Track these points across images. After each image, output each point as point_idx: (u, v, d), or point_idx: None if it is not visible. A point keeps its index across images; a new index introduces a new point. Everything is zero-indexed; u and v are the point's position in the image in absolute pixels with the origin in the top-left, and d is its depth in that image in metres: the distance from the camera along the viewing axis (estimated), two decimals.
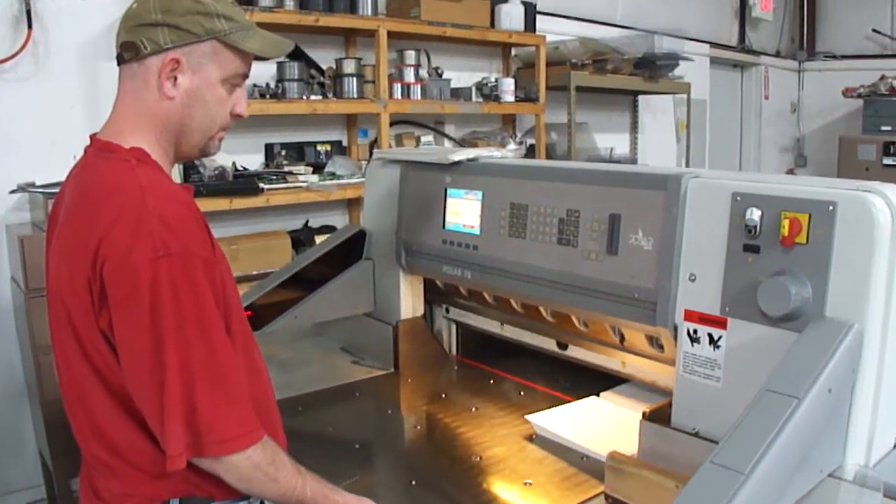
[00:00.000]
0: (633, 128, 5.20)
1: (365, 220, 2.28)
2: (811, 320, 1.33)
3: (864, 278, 1.30)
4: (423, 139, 4.22)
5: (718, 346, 1.47)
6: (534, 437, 1.76)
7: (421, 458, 1.70)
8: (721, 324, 1.46)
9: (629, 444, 1.62)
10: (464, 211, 1.96)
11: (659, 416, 1.57)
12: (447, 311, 2.29)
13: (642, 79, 4.56)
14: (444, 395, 2.01)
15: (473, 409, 1.92)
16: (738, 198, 1.43)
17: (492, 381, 2.11)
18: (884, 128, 4.02)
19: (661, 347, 1.74)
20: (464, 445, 1.73)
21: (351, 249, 2.18)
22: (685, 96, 5.05)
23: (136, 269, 1.16)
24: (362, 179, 3.70)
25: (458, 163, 1.98)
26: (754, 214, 1.40)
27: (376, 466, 1.72)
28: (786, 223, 1.35)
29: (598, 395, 1.91)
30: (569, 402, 1.92)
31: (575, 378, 2.05)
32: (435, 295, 2.26)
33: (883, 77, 4.53)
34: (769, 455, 1.13)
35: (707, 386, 1.48)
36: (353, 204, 3.94)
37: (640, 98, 5.24)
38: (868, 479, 1.32)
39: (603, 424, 1.76)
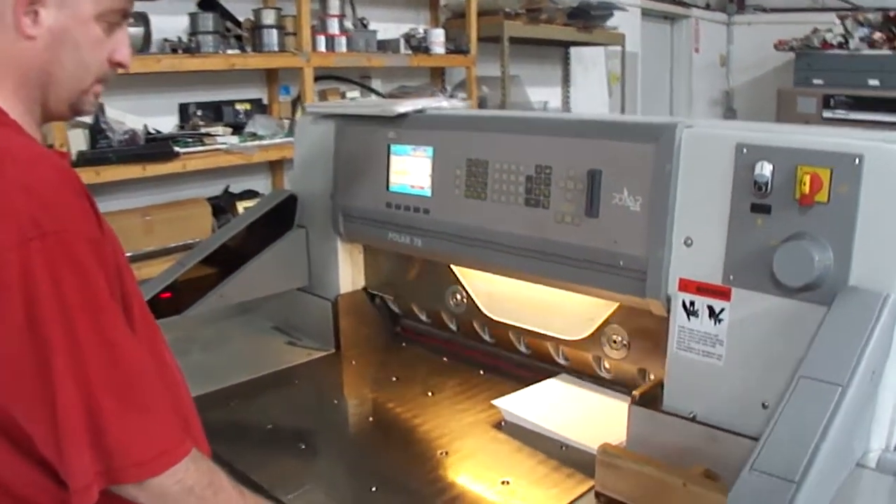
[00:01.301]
0: (565, 81, 4.99)
1: (295, 184, 1.98)
2: (834, 290, 1.13)
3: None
4: (348, 95, 3.91)
5: (720, 320, 1.26)
6: (503, 424, 1.53)
7: (379, 458, 1.45)
8: (723, 294, 1.25)
9: (611, 428, 1.42)
10: (411, 170, 1.69)
11: (649, 399, 1.36)
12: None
13: (576, 29, 4.33)
14: (394, 378, 1.75)
15: (430, 394, 1.67)
16: (745, 150, 1.20)
17: (445, 359, 1.86)
18: (815, 81, 3.92)
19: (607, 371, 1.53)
20: (425, 439, 1.49)
21: (280, 217, 1.88)
22: (617, 49, 4.85)
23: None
24: (286, 140, 3.41)
25: (404, 115, 1.70)
26: (765, 169, 1.18)
27: (328, 471, 1.46)
28: (806, 179, 1.13)
29: (568, 371, 1.70)
30: (537, 379, 1.70)
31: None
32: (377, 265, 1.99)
33: (815, 30, 4.43)
34: (820, 456, 0.92)
35: (706, 365, 1.27)
36: (276, 167, 3.62)
37: (572, 50, 5.02)
38: (890, 464, 1.14)
39: (579, 406, 1.55)
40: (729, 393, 1.25)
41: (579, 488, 1.31)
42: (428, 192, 1.66)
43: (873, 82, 3.60)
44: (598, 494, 1.27)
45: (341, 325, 1.88)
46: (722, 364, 1.26)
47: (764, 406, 1.22)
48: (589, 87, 5.11)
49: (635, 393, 1.35)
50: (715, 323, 1.26)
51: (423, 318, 1.93)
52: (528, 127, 1.49)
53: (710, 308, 1.26)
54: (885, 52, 3.71)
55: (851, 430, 1.01)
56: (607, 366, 1.59)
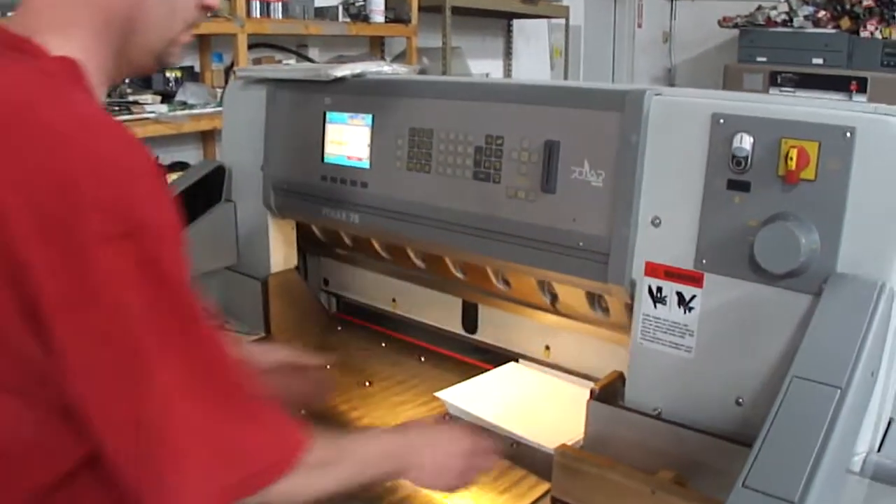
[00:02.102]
0: (507, 53, 4.81)
1: (224, 155, 1.77)
2: (820, 277, 0.99)
3: (890, 223, 0.96)
4: (284, 64, 3.66)
5: (691, 309, 1.11)
6: (447, 418, 1.37)
7: None
8: (695, 280, 1.10)
9: (565, 422, 1.28)
10: (349, 139, 1.50)
11: (609, 394, 1.21)
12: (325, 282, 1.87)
13: (520, 1, 4.14)
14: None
15: (367, 385, 1.50)
16: (721, 121, 1.05)
17: (384, 345, 1.69)
18: (759, 59, 3.83)
19: (605, 310, 1.37)
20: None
21: (208, 190, 1.67)
22: (560, 22, 4.69)
23: (82, 252, 0.74)
24: (218, 109, 3.14)
25: (341, 79, 1.51)
26: (744, 142, 1.03)
27: None
28: (793, 153, 0.99)
29: (517, 359, 1.54)
30: (483, 368, 1.54)
31: (480, 331, 1.68)
32: (311, 244, 1.79)
33: (760, 7, 4.34)
34: (821, 471, 0.78)
35: (674, 357, 1.13)
36: (207, 137, 3.36)
37: (515, 22, 4.83)
38: (879, 469, 1.01)
39: (530, 399, 1.39)
40: (699, 388, 1.12)
41: (532, 493, 1.16)
42: (366, 164, 1.47)
43: (817, 60, 3.53)
44: (554, 500, 1.12)
45: (272, 306, 1.69)
46: (692, 356, 1.12)
47: (738, 403, 1.08)
48: (531, 60, 4.94)
49: (594, 387, 1.20)
50: (685, 311, 1.12)
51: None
52: (478, 93, 1.31)
53: (680, 295, 1.12)
54: (830, 30, 3.64)
55: (849, 438, 0.87)
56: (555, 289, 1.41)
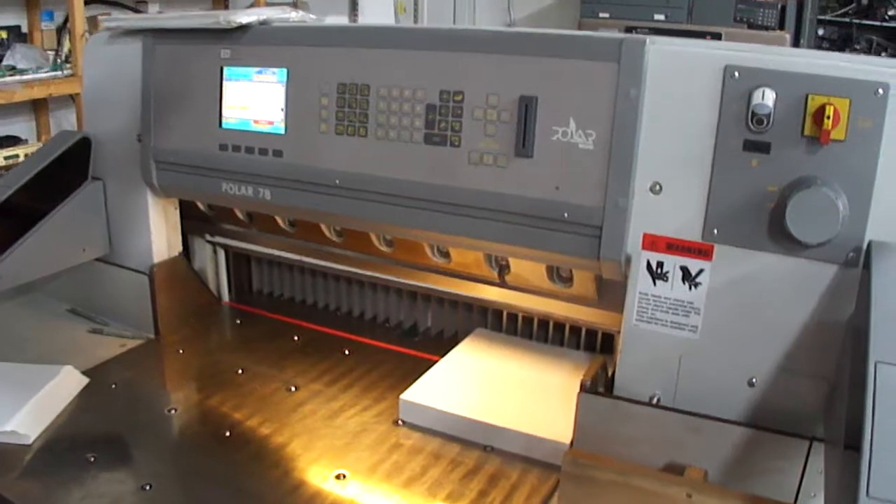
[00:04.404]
0: (353, 8, 4.47)
1: (88, 124, 1.39)
2: (847, 246, 0.88)
3: None
4: None
5: (697, 285, 0.96)
6: (400, 423, 1.15)
7: (251, 497, 0.99)
8: (703, 253, 0.95)
9: (540, 414, 1.12)
10: (255, 100, 1.20)
11: (599, 384, 1.04)
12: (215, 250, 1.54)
13: None
14: (240, 371, 1.28)
15: (292, 390, 1.23)
16: (736, 74, 0.90)
17: (297, 338, 1.42)
18: (602, 14, 3.78)
19: (565, 281, 1.19)
20: (310, 459, 1.06)
21: (70, 167, 1.30)
22: None
23: None
24: (53, 74, 2.67)
25: (245, 28, 1.20)
26: (766, 98, 0.88)
27: None
28: (830, 110, 0.84)
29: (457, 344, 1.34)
30: (421, 358, 1.32)
31: (410, 314, 1.46)
32: (192, 221, 1.47)
33: None
34: None
35: (676, 338, 0.98)
36: (40, 107, 2.84)
37: None
38: None
39: (490, 391, 1.19)
40: (706, 371, 0.98)
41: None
42: (280, 129, 1.19)
43: (658, 16, 3.53)
44: None
45: (159, 303, 1.36)
46: (697, 337, 0.97)
47: (751, 384, 0.95)
48: (376, 16, 4.64)
49: (584, 379, 1.02)
50: (690, 288, 0.96)
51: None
52: (430, 41, 1.07)
53: (685, 270, 0.96)
54: None
55: None
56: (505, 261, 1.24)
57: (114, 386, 1.22)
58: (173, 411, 1.16)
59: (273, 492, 0.99)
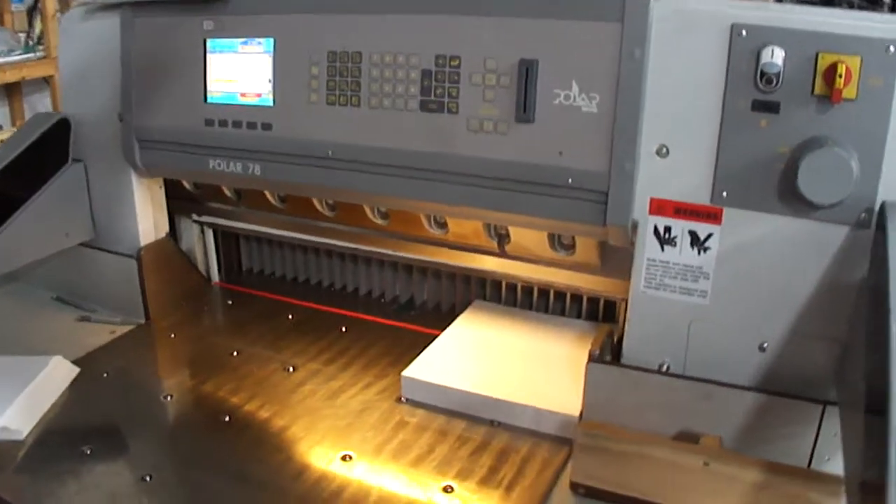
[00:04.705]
0: None
1: (66, 105, 1.33)
2: (859, 206, 0.86)
3: None
4: None
5: (706, 249, 0.94)
6: (403, 400, 1.12)
7: (257, 486, 0.96)
8: (712, 216, 0.92)
9: (546, 386, 1.10)
10: (241, 72, 1.15)
11: (606, 353, 1.02)
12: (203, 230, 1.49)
13: None
14: (235, 353, 1.25)
15: (290, 370, 1.20)
16: (744, 32, 0.87)
17: (291, 317, 1.38)
18: None
19: (567, 248, 1.17)
20: (313, 441, 1.03)
21: (49, 150, 1.25)
22: None
23: None
24: (25, 56, 2.60)
25: None
26: (776, 57, 0.85)
27: None
28: (842, 69, 0.82)
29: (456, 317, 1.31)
30: (421, 332, 1.30)
31: (407, 287, 1.43)
32: (177, 201, 1.43)
33: None
34: None
35: (685, 304, 0.96)
36: (13, 91, 2.75)
37: None
38: None
39: (494, 364, 1.17)
40: (716, 336, 0.96)
41: (541, 482, 0.94)
42: (269, 101, 1.14)
43: None
44: (576, 486, 0.92)
45: (148, 286, 1.32)
46: (707, 302, 0.95)
47: (762, 349, 0.94)
48: None
49: (592, 349, 0.99)
50: (699, 252, 0.94)
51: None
52: (423, 3, 1.02)
53: (693, 234, 0.94)
54: None
55: None
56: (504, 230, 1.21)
57: (105, 375, 1.17)
58: (169, 398, 1.12)
59: (278, 477, 0.96)
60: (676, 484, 0.86)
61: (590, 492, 0.91)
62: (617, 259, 1.15)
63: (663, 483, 0.87)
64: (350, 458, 0.99)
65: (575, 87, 0.95)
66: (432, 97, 1.03)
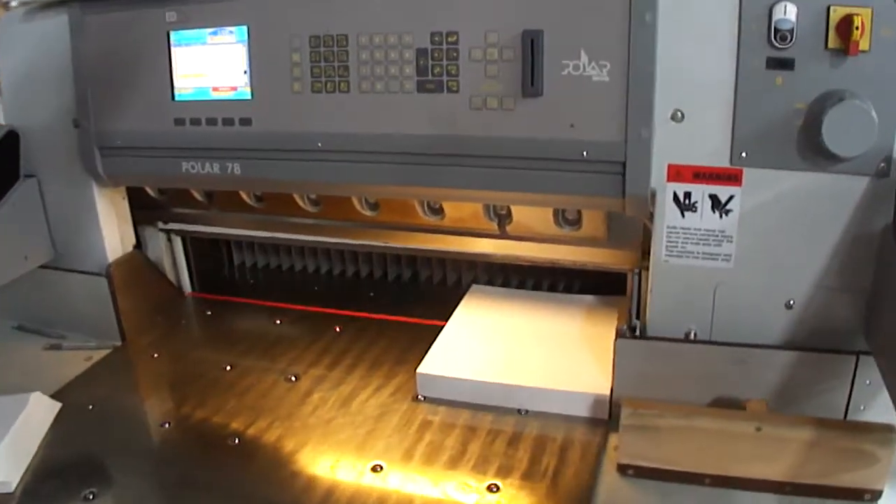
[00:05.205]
0: None
1: (9, 115, 1.20)
2: (877, 157, 0.85)
3: None
4: None
5: (728, 212, 0.92)
6: (421, 398, 1.07)
7: None
8: (733, 178, 0.91)
9: (568, 368, 1.07)
10: (212, 66, 1.07)
11: (636, 328, 1.00)
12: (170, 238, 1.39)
13: None
14: (228, 368, 1.17)
15: (293, 380, 1.13)
16: None
17: (279, 321, 1.31)
18: None
19: (572, 224, 1.14)
20: (336, 455, 0.97)
21: None
22: None
23: None
24: None
25: None
26: (788, 13, 0.84)
27: None
28: (858, 21, 0.81)
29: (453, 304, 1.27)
30: (421, 324, 1.25)
31: (397, 279, 1.38)
32: (140, 210, 1.32)
33: None
34: None
35: (709, 270, 0.95)
36: None
37: None
38: None
39: (508, 350, 1.13)
40: (743, 299, 0.95)
41: (584, 465, 0.92)
42: (246, 94, 1.06)
43: None
44: (624, 467, 0.89)
45: (121, 305, 1.22)
46: (732, 265, 0.94)
47: (789, 306, 0.93)
48: None
49: (619, 325, 0.97)
50: (721, 216, 0.93)
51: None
52: None
53: (714, 198, 0.92)
54: None
55: None
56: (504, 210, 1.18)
57: (91, 407, 1.07)
58: (167, 425, 1.03)
59: (307, 499, 0.88)
60: (728, 453, 0.85)
61: (638, 471, 0.89)
62: (623, 230, 1.13)
63: (714, 453, 0.86)
64: (381, 468, 0.93)
65: (584, 57, 0.92)
66: (430, 77, 0.98)
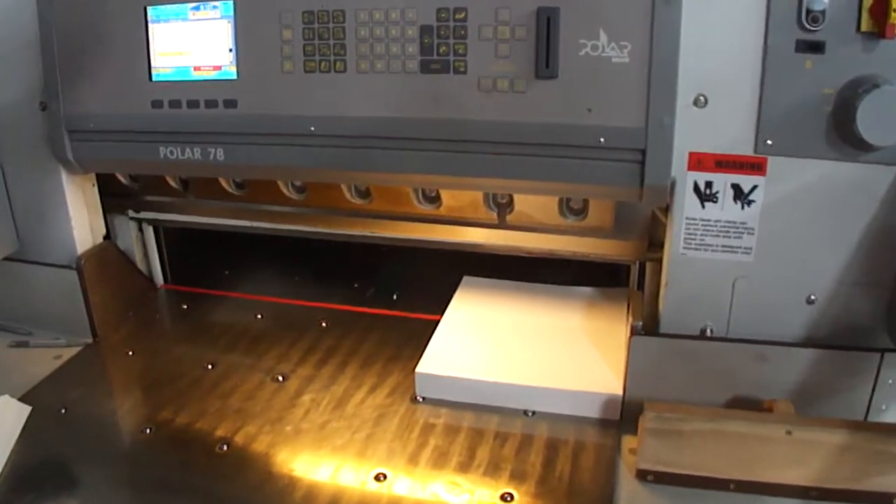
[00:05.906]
0: None
1: None
2: None
3: None
4: None
5: (751, 202, 0.88)
6: (420, 400, 1.01)
7: None
8: (756, 167, 0.87)
9: (574, 365, 1.02)
10: (193, 43, 0.98)
11: (646, 324, 0.95)
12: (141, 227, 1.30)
13: None
14: (210, 367, 1.09)
15: (280, 380, 1.06)
16: None
17: (260, 316, 1.24)
18: None
19: (577, 213, 1.08)
20: (335, 462, 0.90)
21: None
22: None
23: None
24: None
25: None
26: None
27: None
28: (894, 2, 0.78)
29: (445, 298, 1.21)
30: (403, 317, 1.19)
31: (385, 271, 1.31)
32: (109, 198, 1.23)
33: None
34: None
35: (728, 263, 0.91)
36: None
37: None
38: None
39: (509, 347, 1.07)
40: (762, 294, 0.91)
41: (599, 469, 0.87)
42: (231, 74, 0.98)
43: None
44: (643, 473, 0.84)
45: (92, 299, 1.13)
46: (752, 259, 0.90)
47: (810, 301, 0.90)
48: None
49: (634, 322, 0.92)
50: (743, 207, 0.88)
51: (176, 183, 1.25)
52: None
53: (737, 188, 0.88)
54: None
55: None
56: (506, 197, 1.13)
57: (63, 411, 0.98)
58: (148, 431, 0.95)
59: (309, 494, 0.83)
60: (757, 457, 0.81)
61: (659, 477, 0.85)
62: (629, 220, 1.08)
63: (742, 458, 0.82)
64: (384, 476, 0.87)
65: (603, 37, 0.86)
66: (435, 56, 0.91)
